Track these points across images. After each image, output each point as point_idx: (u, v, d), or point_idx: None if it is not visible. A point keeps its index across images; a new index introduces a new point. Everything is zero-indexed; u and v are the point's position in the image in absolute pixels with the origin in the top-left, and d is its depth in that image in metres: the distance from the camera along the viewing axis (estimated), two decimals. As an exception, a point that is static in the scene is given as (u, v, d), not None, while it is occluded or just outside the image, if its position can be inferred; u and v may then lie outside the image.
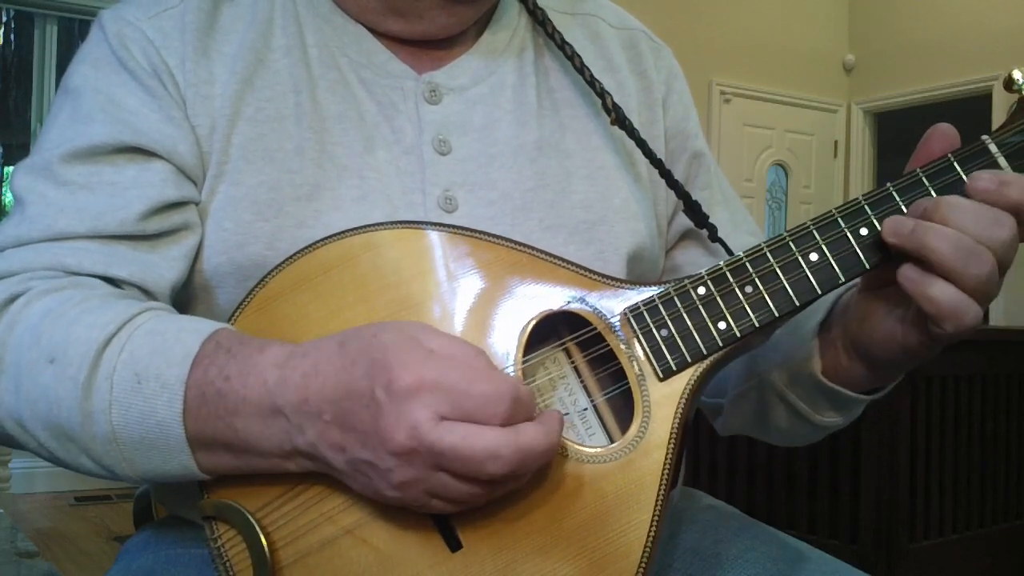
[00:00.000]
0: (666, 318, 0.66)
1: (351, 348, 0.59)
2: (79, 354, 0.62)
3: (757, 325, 0.65)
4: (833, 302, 0.72)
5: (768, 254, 0.66)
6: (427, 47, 0.81)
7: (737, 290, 0.66)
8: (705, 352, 0.65)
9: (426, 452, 0.55)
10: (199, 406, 0.60)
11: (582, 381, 0.68)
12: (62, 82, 0.77)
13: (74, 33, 5.02)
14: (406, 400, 0.55)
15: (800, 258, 0.65)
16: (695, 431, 2.96)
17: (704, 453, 2.99)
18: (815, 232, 0.65)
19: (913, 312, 0.64)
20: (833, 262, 0.65)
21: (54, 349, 0.62)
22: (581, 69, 0.82)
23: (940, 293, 0.61)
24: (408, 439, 0.55)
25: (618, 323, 0.66)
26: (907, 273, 0.62)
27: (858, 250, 0.65)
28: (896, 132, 6.48)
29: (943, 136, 0.66)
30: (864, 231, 0.65)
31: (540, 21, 0.85)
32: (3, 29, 5.42)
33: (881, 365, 0.69)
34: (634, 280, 0.69)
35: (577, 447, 0.63)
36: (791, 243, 0.66)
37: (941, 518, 2.77)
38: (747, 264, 0.66)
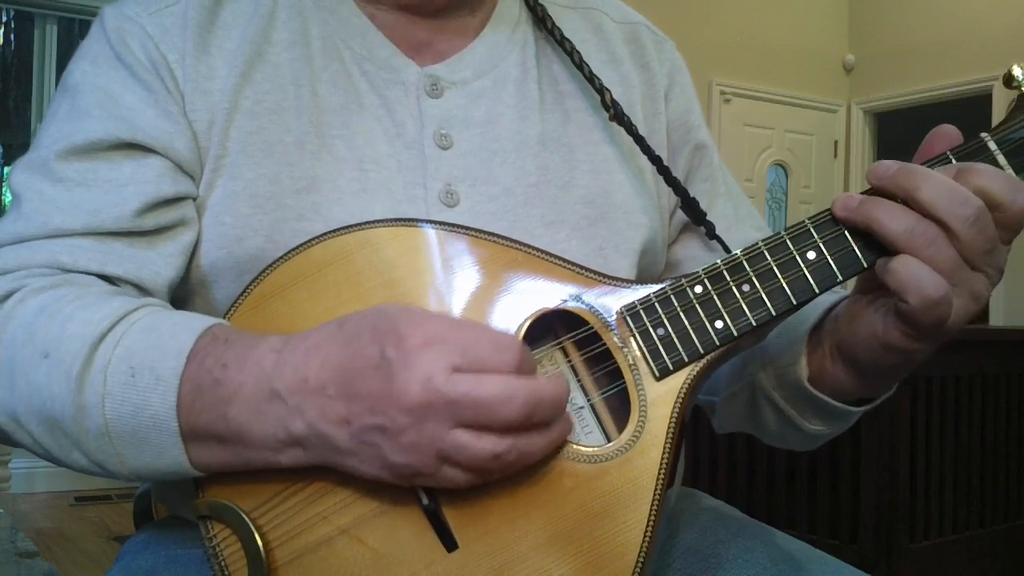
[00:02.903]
0: (663, 317, 0.65)
1: (350, 325, 0.59)
2: (73, 349, 0.62)
3: (754, 324, 0.65)
4: (828, 309, 0.71)
5: (765, 252, 0.65)
6: (427, 28, 0.81)
7: (734, 289, 0.65)
8: (702, 351, 0.65)
9: (440, 403, 0.55)
10: (194, 399, 0.60)
11: (579, 380, 0.68)
12: (62, 79, 0.78)
13: (74, 33, 5.02)
14: (417, 354, 0.56)
15: (798, 256, 0.65)
16: (695, 431, 2.95)
17: (704, 453, 2.99)
18: (812, 230, 0.65)
19: (892, 304, 0.63)
20: (831, 260, 0.65)
21: (49, 345, 0.62)
22: (581, 65, 0.82)
23: (902, 264, 0.60)
24: (422, 391, 0.55)
25: (615, 322, 0.66)
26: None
27: (856, 248, 0.64)
28: (896, 132, 6.48)
29: (945, 136, 0.65)
30: None
31: (540, 17, 0.85)
32: (3, 29, 5.42)
33: (865, 368, 0.68)
34: (631, 278, 0.69)
35: (574, 446, 0.63)
36: (788, 241, 0.65)
37: (941, 518, 2.77)
38: (744, 263, 0.65)
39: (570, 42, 0.83)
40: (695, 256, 0.88)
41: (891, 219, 0.61)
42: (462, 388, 0.55)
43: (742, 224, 0.89)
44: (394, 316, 0.58)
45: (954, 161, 0.64)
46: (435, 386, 0.55)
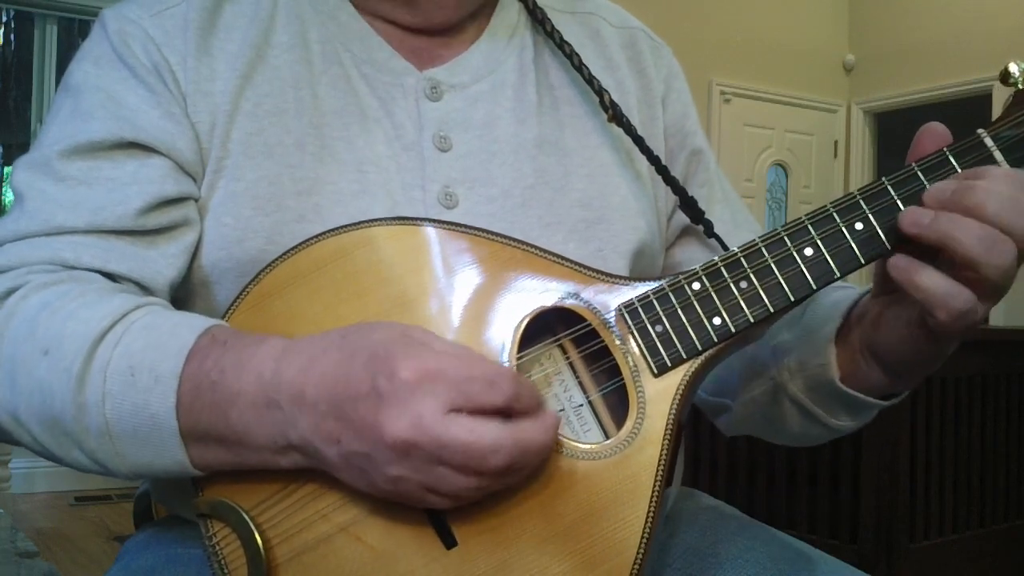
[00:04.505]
0: (661, 314, 0.65)
1: (351, 341, 0.59)
2: (74, 347, 0.62)
3: (752, 320, 0.65)
4: (849, 308, 0.72)
5: (763, 249, 0.66)
6: (429, 39, 0.81)
7: (732, 285, 0.65)
8: (700, 348, 0.65)
9: (428, 444, 0.55)
10: (193, 399, 0.60)
11: (577, 377, 0.68)
12: (63, 80, 0.78)
13: (74, 33, 5.02)
14: (410, 391, 0.55)
15: (795, 253, 0.65)
16: (695, 431, 2.95)
17: (704, 453, 2.99)
18: (810, 227, 0.65)
19: (919, 310, 0.63)
20: (828, 257, 0.65)
21: (49, 341, 0.63)
22: (580, 67, 0.83)
23: (928, 280, 0.61)
24: (410, 430, 0.55)
25: (613, 319, 0.66)
26: (896, 263, 0.62)
27: (853, 245, 0.65)
28: (896, 132, 6.48)
29: (933, 134, 0.66)
30: (859, 226, 0.65)
31: (539, 20, 0.85)
32: (3, 29, 5.42)
33: (898, 369, 0.69)
34: (630, 276, 0.69)
35: (572, 444, 0.63)
36: (786, 238, 0.65)
37: (941, 518, 2.77)
38: (742, 259, 0.66)
39: (569, 45, 0.83)
40: (694, 258, 0.88)
41: (967, 234, 0.60)
42: (452, 433, 0.55)
43: (739, 230, 0.89)
44: (392, 342, 0.58)
45: (951, 158, 0.64)
46: (424, 426, 0.55)
